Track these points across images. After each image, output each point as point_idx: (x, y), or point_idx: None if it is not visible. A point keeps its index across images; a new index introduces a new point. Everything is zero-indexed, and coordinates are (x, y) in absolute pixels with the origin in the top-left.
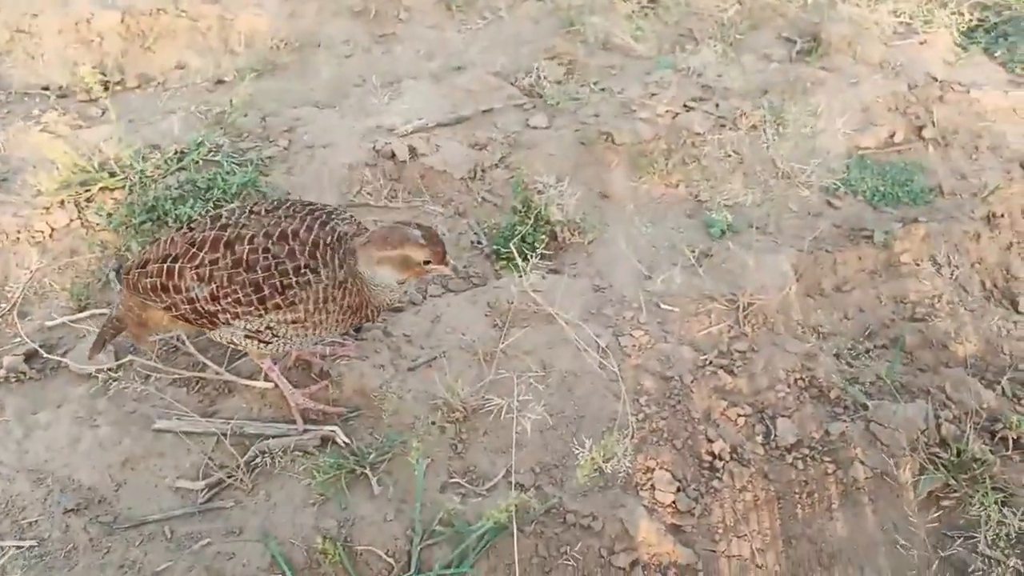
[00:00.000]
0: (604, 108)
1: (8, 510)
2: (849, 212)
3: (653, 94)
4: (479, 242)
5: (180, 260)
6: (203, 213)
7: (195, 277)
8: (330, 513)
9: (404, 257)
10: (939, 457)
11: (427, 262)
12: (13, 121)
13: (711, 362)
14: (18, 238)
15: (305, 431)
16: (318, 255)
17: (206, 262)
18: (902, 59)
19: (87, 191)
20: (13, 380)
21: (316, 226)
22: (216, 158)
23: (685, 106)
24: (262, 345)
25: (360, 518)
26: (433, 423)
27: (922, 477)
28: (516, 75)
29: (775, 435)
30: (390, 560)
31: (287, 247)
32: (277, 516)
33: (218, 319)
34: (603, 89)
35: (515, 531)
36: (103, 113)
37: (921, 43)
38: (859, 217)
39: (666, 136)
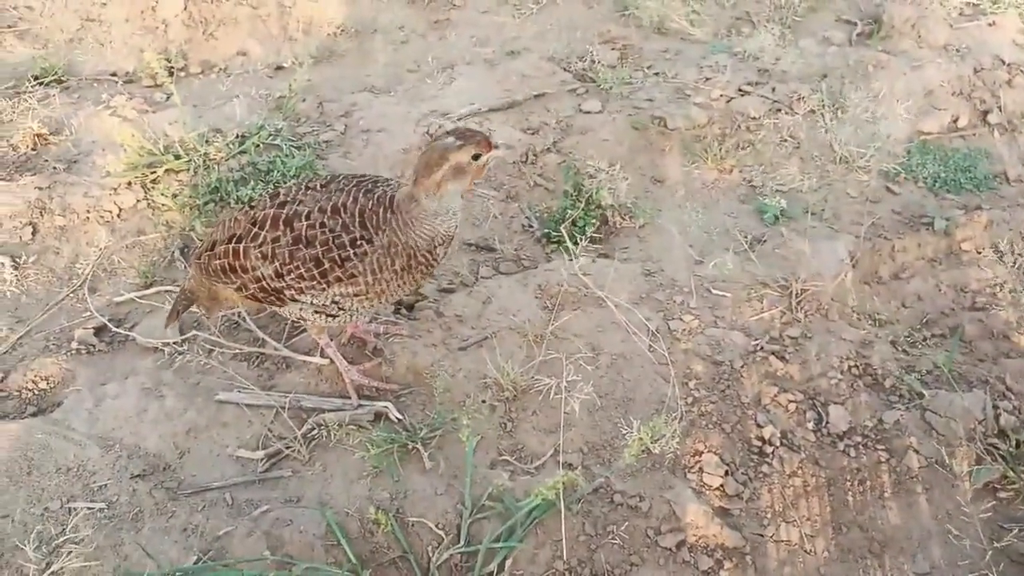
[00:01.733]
0: (657, 93)
1: (80, 474)
2: (909, 199)
3: (708, 78)
4: (530, 226)
5: (244, 240)
6: (263, 195)
7: (259, 256)
8: (383, 486)
9: (455, 166)
10: (997, 448)
11: (476, 156)
12: (84, 106)
13: (762, 348)
14: (88, 217)
15: (359, 406)
16: (368, 224)
17: (268, 240)
18: (968, 41)
19: (153, 173)
20: (84, 352)
21: (361, 196)
22: (276, 142)
23: (740, 90)
24: (329, 319)
25: (412, 491)
26: (483, 402)
27: (978, 467)
28: (570, 60)
29: (827, 422)
30: (440, 532)
31: (340, 220)
32: (333, 487)
33: (285, 296)
34: (657, 73)
35: (563, 508)
36: (168, 98)
37: (989, 24)
38: (919, 204)
39: (720, 121)
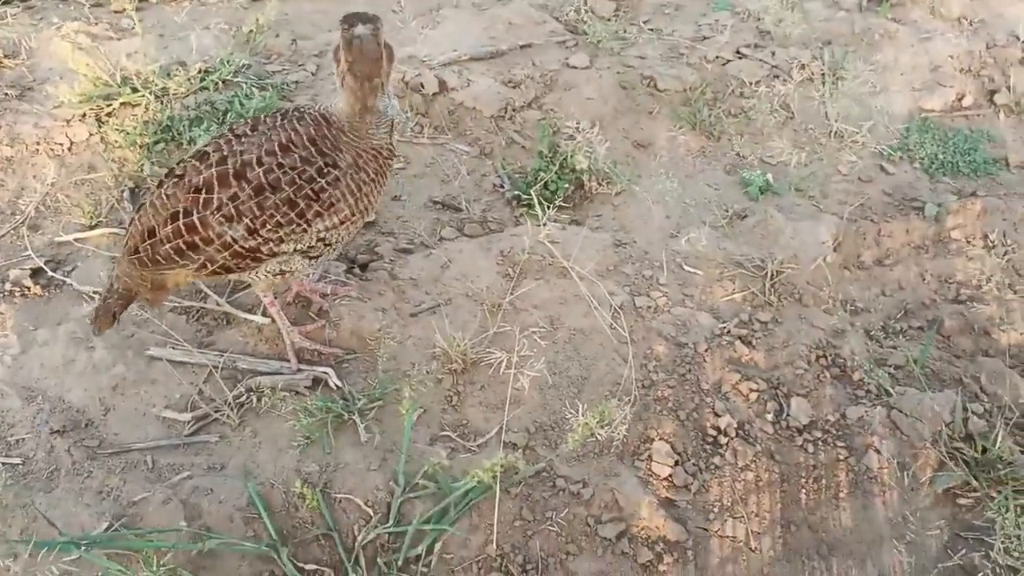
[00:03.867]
0: (650, 50)
1: None
2: (902, 180)
3: (705, 37)
4: (502, 186)
5: (195, 211)
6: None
7: (222, 220)
8: (313, 457)
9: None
10: (962, 453)
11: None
12: (44, 28)
13: (729, 331)
14: (37, 149)
15: (298, 370)
16: (325, 149)
17: (225, 201)
18: (984, 14)
19: (109, 105)
20: (17, 295)
21: (300, 126)
22: (239, 80)
23: (738, 52)
24: (313, 262)
25: (343, 465)
26: (429, 372)
27: (941, 473)
28: (562, 9)
29: (787, 414)
30: (368, 510)
31: (296, 155)
32: (260, 455)
33: (262, 253)
34: (652, 29)
35: (498, 492)
36: (132, 26)
37: None
38: (912, 186)
39: (713, 84)
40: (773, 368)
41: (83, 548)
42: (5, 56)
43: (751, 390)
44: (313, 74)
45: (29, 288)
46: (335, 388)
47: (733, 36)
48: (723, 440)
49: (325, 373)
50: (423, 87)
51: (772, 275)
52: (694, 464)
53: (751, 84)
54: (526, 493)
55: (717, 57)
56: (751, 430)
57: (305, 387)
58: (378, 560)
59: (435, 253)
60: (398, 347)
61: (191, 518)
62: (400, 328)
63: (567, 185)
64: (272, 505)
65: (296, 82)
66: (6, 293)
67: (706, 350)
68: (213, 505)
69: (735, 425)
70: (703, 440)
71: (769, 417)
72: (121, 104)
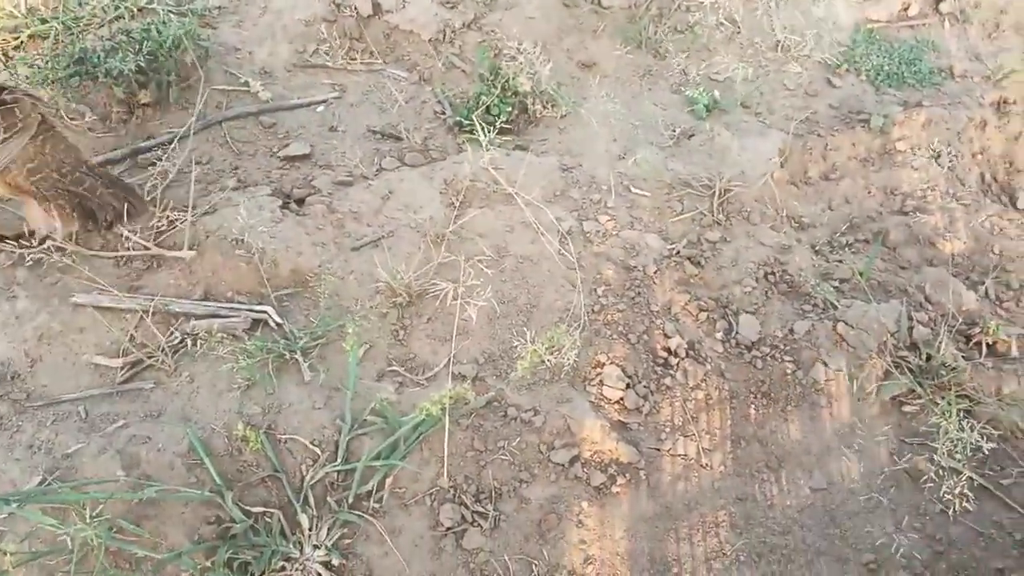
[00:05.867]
0: None
1: None
2: (848, 92)
3: None
4: (443, 112)
5: None
6: (136, 69)
7: None
8: (255, 399)
9: None
10: (907, 361)
11: None
12: None
13: (678, 252)
14: None
15: (231, 311)
16: None
17: None
18: None
19: (16, 38)
20: None
21: None
22: (152, 6)
23: None
24: None
25: (287, 405)
26: (373, 307)
27: (887, 382)
28: None
29: (736, 332)
30: (316, 449)
31: None
32: (199, 400)
33: None
34: None
35: (447, 424)
36: None
37: None
38: (858, 99)
39: (660, 0)
40: (722, 287)
41: (15, 504)
42: None
43: (700, 309)
44: None
45: None
46: (275, 327)
47: None
48: (673, 361)
49: (264, 311)
50: (357, 10)
51: (720, 193)
52: (645, 386)
53: None
54: (477, 424)
55: None
56: (701, 349)
57: (243, 329)
58: (328, 499)
59: (375, 184)
60: (340, 283)
61: (129, 467)
62: (341, 263)
63: (510, 109)
64: (214, 450)
65: (218, 8)
66: None
67: (655, 272)
68: (152, 453)
69: (685, 345)
70: (654, 362)
71: (719, 336)
72: (29, 36)
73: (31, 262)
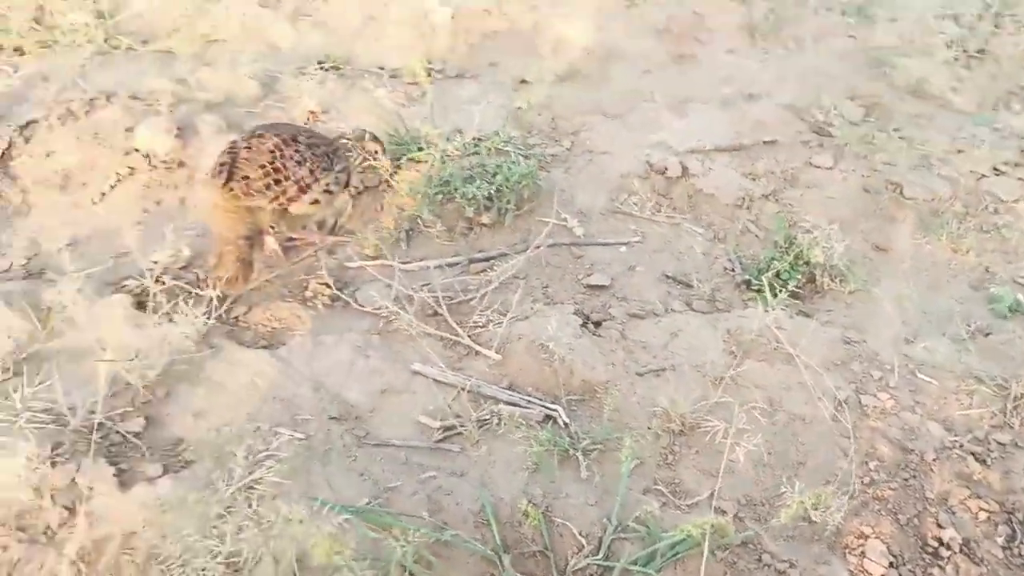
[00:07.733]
0: (900, 158)
1: (289, 406)
2: None
3: (960, 151)
4: (732, 269)
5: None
6: (486, 196)
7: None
8: (539, 482)
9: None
10: None
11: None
12: (353, 92)
13: (962, 445)
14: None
15: (529, 403)
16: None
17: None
18: None
19: (397, 161)
20: (312, 305)
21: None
22: (506, 148)
23: (995, 169)
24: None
25: (564, 494)
26: (649, 428)
27: None
28: (809, 110)
29: (1021, 541)
30: (582, 540)
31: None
32: (494, 471)
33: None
34: (902, 137)
35: (706, 551)
36: (423, 95)
37: None
38: None
39: (965, 198)
40: (1009, 492)
41: (349, 514)
42: (322, 112)
43: (981, 509)
44: (568, 149)
45: (321, 300)
46: (563, 425)
47: (991, 152)
48: (944, 553)
49: (556, 410)
50: (667, 170)
51: (1016, 397)
52: (910, 570)
53: (1008, 201)
54: (731, 560)
55: (972, 171)
56: (977, 549)
57: (537, 421)
58: None
59: (664, 321)
60: (623, 400)
61: (433, 511)
62: (627, 384)
63: (799, 277)
64: (500, 516)
65: (553, 155)
66: (305, 301)
67: (934, 460)
68: (452, 505)
69: (960, 540)
70: (923, 549)
71: (999, 540)
72: (408, 159)
73: (384, 332)
